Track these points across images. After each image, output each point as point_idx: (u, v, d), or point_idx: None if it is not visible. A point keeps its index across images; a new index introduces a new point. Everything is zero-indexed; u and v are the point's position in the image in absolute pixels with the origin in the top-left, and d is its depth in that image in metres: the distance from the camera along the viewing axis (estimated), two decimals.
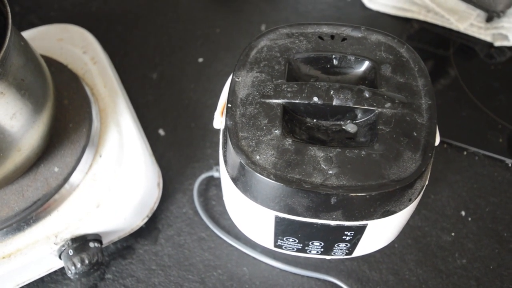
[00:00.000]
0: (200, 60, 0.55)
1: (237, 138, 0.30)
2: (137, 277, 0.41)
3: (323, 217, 0.30)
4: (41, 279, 0.41)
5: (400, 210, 0.30)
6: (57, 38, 0.48)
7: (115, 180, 0.40)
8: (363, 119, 0.31)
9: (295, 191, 0.28)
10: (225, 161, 0.32)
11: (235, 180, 0.31)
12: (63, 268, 0.41)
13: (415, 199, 0.31)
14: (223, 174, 0.34)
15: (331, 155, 0.29)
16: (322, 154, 0.29)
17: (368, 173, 0.28)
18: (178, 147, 0.48)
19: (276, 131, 0.30)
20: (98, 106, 0.44)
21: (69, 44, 0.48)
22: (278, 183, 0.28)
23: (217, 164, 0.47)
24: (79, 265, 0.37)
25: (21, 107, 0.33)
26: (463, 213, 0.44)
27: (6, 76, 0.31)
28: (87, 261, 0.37)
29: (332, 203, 0.28)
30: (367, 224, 0.31)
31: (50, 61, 0.45)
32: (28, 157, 0.36)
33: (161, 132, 0.49)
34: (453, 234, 0.43)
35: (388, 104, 0.31)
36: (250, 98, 0.31)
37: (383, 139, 0.29)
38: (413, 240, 0.43)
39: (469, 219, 0.44)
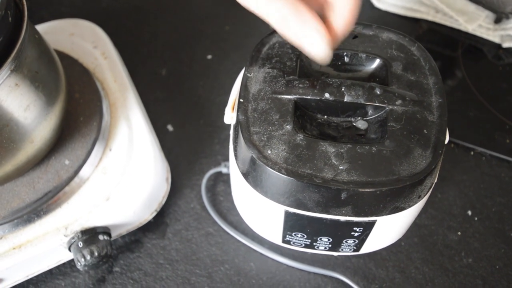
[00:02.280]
0: (209, 57, 0.55)
1: (248, 133, 0.30)
2: (145, 271, 0.42)
3: (333, 213, 0.30)
4: (50, 271, 0.42)
5: (410, 206, 0.31)
6: (69, 33, 0.49)
7: (124, 174, 0.41)
8: (373, 116, 0.32)
9: (306, 185, 0.28)
10: (236, 156, 0.33)
11: (245, 174, 0.32)
12: (71, 260, 0.41)
13: (424, 196, 0.31)
14: (233, 169, 0.35)
15: (342, 150, 0.29)
16: (333, 150, 0.29)
17: (378, 169, 0.28)
18: (186, 142, 0.49)
19: (288, 126, 0.30)
20: (108, 100, 0.44)
21: (80, 39, 0.48)
22: (289, 177, 0.28)
23: (225, 160, 0.47)
24: (88, 257, 0.37)
25: (34, 99, 0.34)
26: (469, 212, 0.44)
27: (21, 68, 0.32)
28: (96, 254, 0.37)
29: (342, 198, 0.29)
30: (376, 220, 0.31)
31: (61, 55, 0.45)
32: (40, 149, 0.37)
33: (170, 127, 0.50)
34: (459, 233, 0.43)
35: (399, 102, 0.31)
36: (262, 93, 0.32)
37: (394, 136, 0.30)
38: (419, 238, 0.43)
39: (476, 218, 0.44)
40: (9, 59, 0.30)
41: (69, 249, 0.38)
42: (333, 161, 0.29)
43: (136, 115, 0.44)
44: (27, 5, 0.32)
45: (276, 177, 0.29)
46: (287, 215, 0.32)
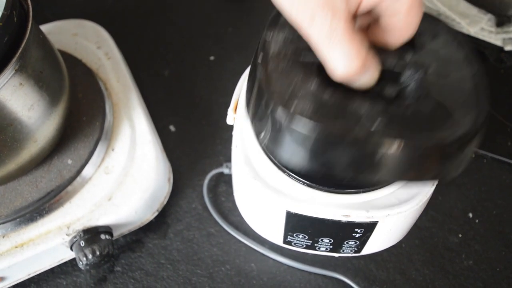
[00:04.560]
0: (212, 58, 0.55)
1: (269, 90, 0.27)
2: (146, 270, 0.42)
3: (367, 177, 0.27)
4: (51, 270, 0.42)
5: (447, 179, 0.27)
6: (72, 33, 0.49)
7: (126, 174, 0.41)
8: (407, 78, 0.28)
9: (337, 142, 0.25)
10: (253, 121, 0.29)
11: (262, 140, 0.28)
12: (73, 259, 0.42)
13: (463, 168, 0.28)
14: (236, 169, 0.35)
15: (375, 111, 0.26)
16: (365, 109, 0.26)
17: (415, 130, 0.25)
18: (188, 143, 0.49)
19: (312, 86, 0.27)
20: (111, 101, 0.45)
21: (84, 39, 0.49)
22: (317, 133, 0.25)
23: (227, 160, 0.47)
24: (90, 256, 0.37)
25: (38, 99, 0.34)
26: (470, 215, 0.44)
27: (25, 68, 0.32)
28: (98, 253, 0.37)
29: (376, 160, 0.25)
30: (377, 221, 0.31)
31: (65, 55, 0.46)
32: (43, 148, 0.37)
33: (172, 128, 0.50)
34: (460, 235, 0.43)
35: (434, 64, 0.28)
36: (281, 56, 0.28)
37: (430, 98, 0.27)
38: (420, 240, 0.43)
39: (477, 221, 0.44)
40: (14, 59, 0.30)
41: (71, 248, 0.38)
42: (364, 121, 0.25)
43: (138, 116, 0.44)
44: (31, 6, 0.33)
45: (301, 137, 0.25)
46: (289, 215, 0.32)
